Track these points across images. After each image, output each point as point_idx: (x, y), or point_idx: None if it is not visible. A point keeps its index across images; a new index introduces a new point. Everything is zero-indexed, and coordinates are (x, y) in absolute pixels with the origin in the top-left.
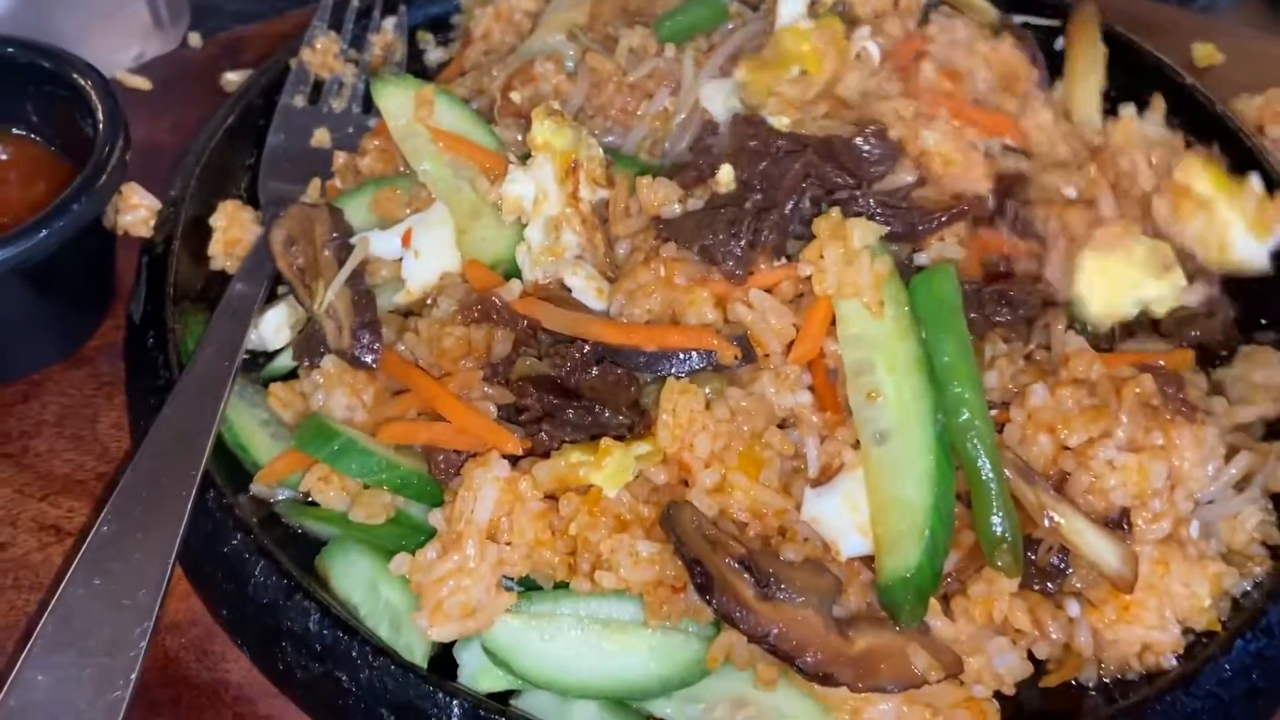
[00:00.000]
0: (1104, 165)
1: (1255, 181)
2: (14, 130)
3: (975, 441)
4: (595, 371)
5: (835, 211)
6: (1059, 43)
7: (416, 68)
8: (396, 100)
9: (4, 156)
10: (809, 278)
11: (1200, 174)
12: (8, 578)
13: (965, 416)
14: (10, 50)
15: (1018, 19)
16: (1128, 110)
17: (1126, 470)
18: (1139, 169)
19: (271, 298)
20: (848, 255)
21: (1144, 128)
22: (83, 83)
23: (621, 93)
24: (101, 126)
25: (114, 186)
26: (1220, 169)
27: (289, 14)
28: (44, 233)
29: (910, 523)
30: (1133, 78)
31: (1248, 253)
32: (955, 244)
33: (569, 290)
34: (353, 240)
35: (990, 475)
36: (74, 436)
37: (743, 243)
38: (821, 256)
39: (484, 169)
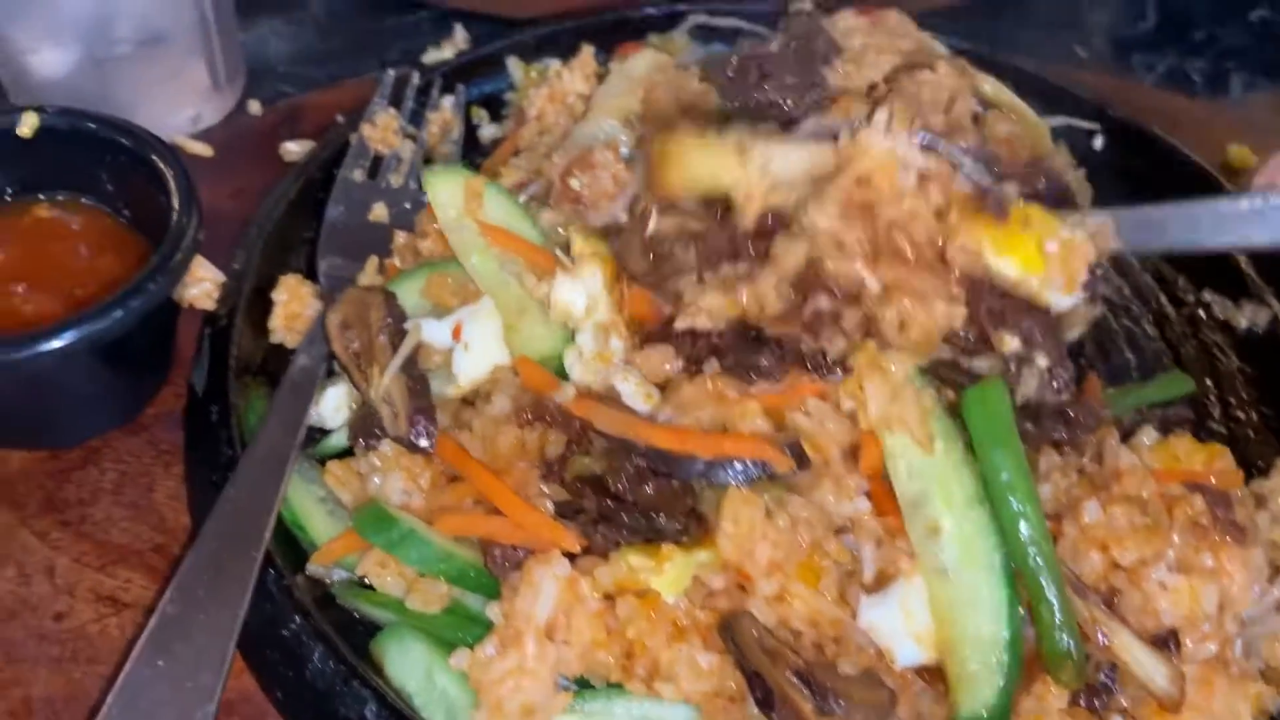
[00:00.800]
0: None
1: (1064, 230)
2: (84, 200)
3: (1038, 559)
4: (650, 488)
5: (872, 344)
6: (1097, 141)
7: (470, 143)
8: (447, 191)
9: (75, 226)
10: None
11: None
12: (65, 649)
13: (1027, 534)
14: (92, 125)
15: (1055, 121)
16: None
17: (1178, 593)
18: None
19: (331, 372)
20: (891, 389)
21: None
22: (159, 162)
23: None
24: (177, 206)
25: (186, 265)
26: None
27: (345, 83)
28: (120, 312)
29: (983, 661)
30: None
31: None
32: (1015, 339)
33: (619, 395)
34: (406, 325)
35: (1054, 593)
36: (131, 505)
37: (773, 358)
38: (861, 389)
39: (531, 264)
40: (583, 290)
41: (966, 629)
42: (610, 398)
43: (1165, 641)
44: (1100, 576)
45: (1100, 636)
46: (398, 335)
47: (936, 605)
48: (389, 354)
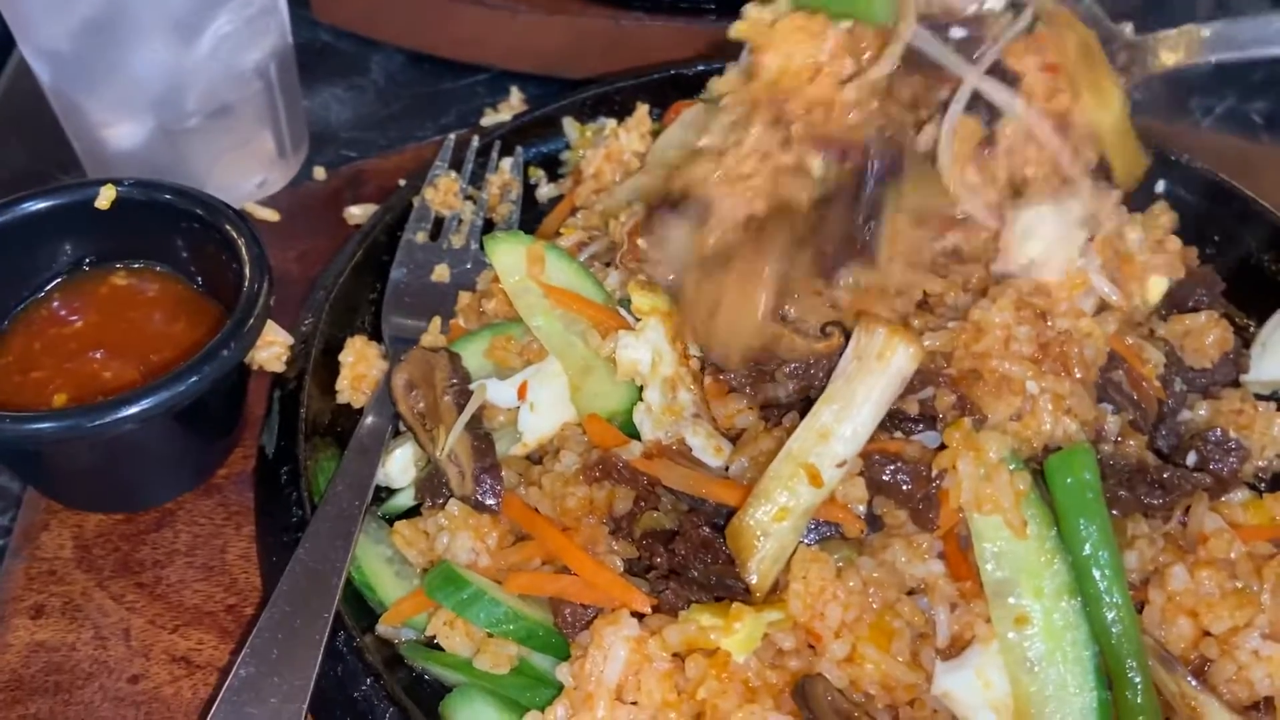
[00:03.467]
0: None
1: None
2: (159, 268)
3: (1121, 639)
4: (710, 562)
5: (967, 421)
6: (1159, 185)
7: (528, 202)
8: (509, 256)
9: (150, 294)
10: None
11: None
12: (140, 711)
13: (1110, 612)
14: (166, 196)
15: None
16: None
17: (1272, 661)
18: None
19: (398, 432)
20: (985, 470)
21: None
22: (232, 231)
23: None
24: (249, 274)
25: (259, 331)
26: None
27: (406, 148)
28: (195, 378)
29: None
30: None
31: None
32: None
33: (689, 449)
34: (471, 386)
35: (1136, 675)
36: (204, 566)
37: None
38: (954, 467)
39: (595, 323)
40: (647, 346)
41: None
42: (681, 451)
43: (1258, 707)
44: (1190, 645)
45: (1189, 710)
46: (463, 395)
47: (1020, 702)
48: (454, 414)
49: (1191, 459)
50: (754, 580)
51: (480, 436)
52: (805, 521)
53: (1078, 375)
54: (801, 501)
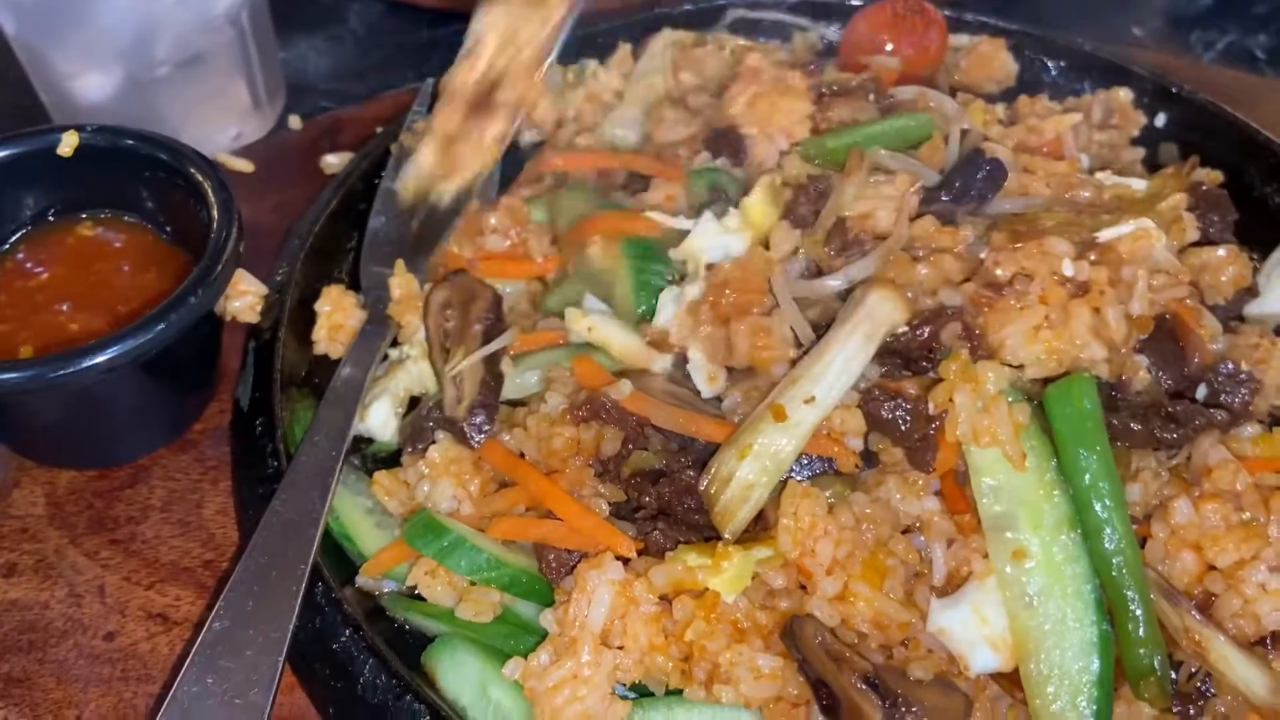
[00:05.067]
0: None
1: None
2: (127, 218)
3: (1123, 570)
4: (696, 504)
5: (964, 353)
6: (1159, 119)
7: (510, 149)
8: None
9: (118, 244)
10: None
11: None
12: (116, 669)
13: (1111, 544)
14: (130, 142)
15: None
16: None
17: None
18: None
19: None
20: (983, 402)
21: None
22: (198, 176)
23: None
24: (216, 219)
25: (228, 278)
26: None
27: (384, 95)
28: (161, 326)
29: (1070, 700)
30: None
31: None
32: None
33: (687, 362)
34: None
35: (1138, 607)
36: (180, 522)
37: None
38: (951, 400)
39: None
40: (720, 247)
41: (1052, 664)
42: (668, 390)
43: (1264, 643)
44: (1194, 580)
45: (1193, 645)
46: (493, 331)
47: (1018, 637)
48: (479, 343)
49: (1202, 392)
50: (727, 531)
51: (494, 374)
52: (780, 464)
53: (1136, 309)
54: (770, 441)
